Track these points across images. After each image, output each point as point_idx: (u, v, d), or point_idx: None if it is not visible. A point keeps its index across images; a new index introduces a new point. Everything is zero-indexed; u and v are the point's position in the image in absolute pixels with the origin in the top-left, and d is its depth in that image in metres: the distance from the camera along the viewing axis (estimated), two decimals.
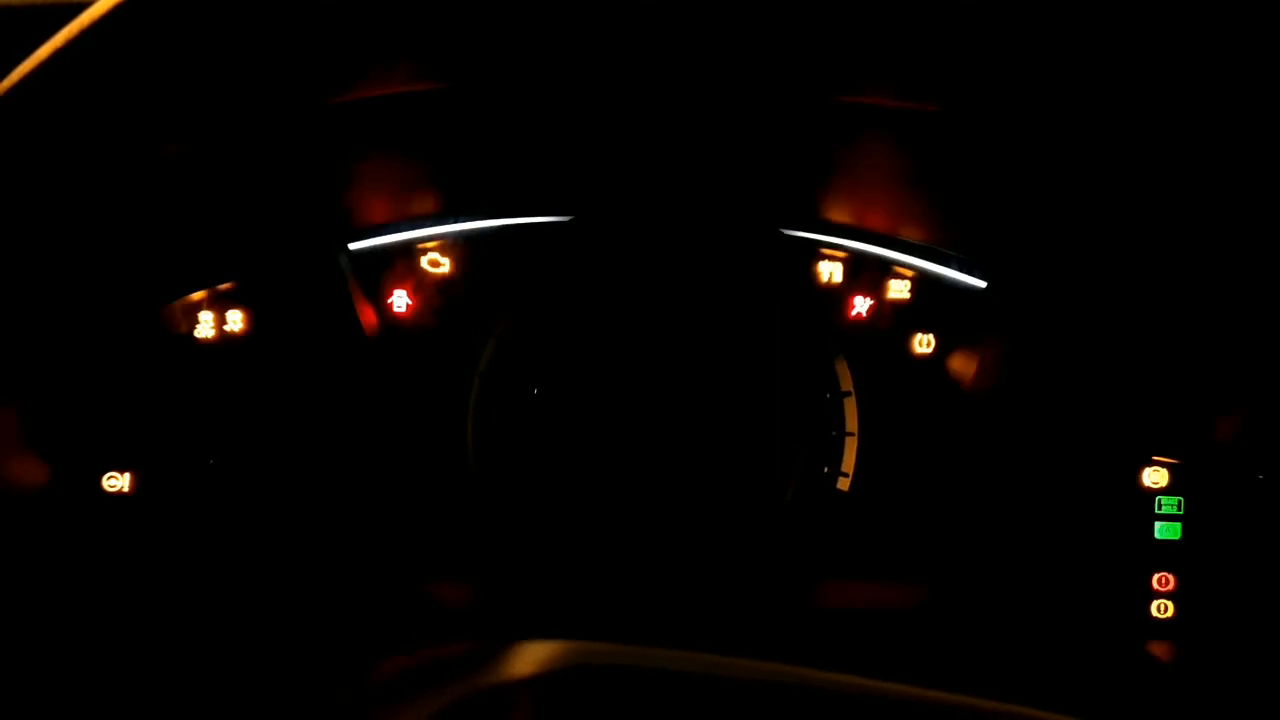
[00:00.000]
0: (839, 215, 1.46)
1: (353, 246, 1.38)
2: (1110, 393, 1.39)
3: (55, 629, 1.13)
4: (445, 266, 1.46)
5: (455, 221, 1.45)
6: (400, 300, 1.44)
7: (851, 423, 1.50)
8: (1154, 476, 1.38)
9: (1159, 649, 1.30)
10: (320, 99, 1.06)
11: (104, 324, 1.25)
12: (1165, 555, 1.37)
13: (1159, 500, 1.39)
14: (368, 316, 1.36)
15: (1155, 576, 1.36)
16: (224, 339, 1.37)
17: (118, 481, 1.32)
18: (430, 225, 1.44)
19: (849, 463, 1.50)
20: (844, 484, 1.51)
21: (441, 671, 0.94)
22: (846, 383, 1.50)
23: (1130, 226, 1.25)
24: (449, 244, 1.46)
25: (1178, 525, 1.37)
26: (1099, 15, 0.83)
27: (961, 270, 1.44)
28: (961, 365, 1.44)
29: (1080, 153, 1.12)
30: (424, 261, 1.45)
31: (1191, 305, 1.30)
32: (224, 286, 1.35)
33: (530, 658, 0.93)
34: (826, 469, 1.51)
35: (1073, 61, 0.93)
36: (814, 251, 1.49)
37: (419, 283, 1.45)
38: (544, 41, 0.98)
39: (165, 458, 1.32)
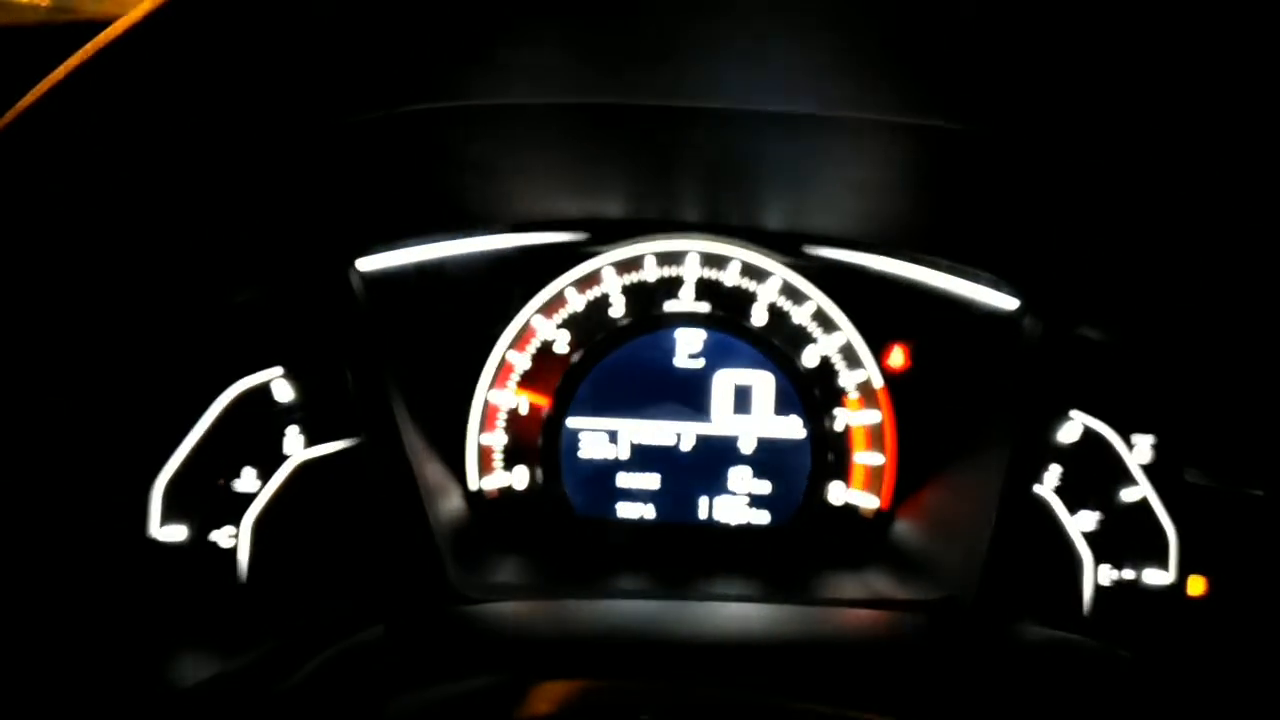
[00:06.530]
0: (864, 233, 1.43)
1: (361, 265, 1.37)
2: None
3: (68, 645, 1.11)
4: (454, 284, 1.45)
5: (468, 239, 1.44)
6: (410, 317, 1.42)
7: (881, 447, 1.48)
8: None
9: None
10: (333, 117, 1.05)
11: (120, 338, 1.24)
12: None
13: None
14: (377, 333, 1.35)
15: None
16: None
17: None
18: (439, 242, 1.43)
19: (877, 488, 1.48)
20: (869, 511, 1.49)
21: (462, 707, 0.92)
22: (876, 405, 1.48)
23: (1162, 240, 1.22)
24: (458, 262, 1.45)
25: None
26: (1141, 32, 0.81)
27: (991, 288, 1.41)
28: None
29: (1116, 168, 1.09)
30: (433, 279, 1.44)
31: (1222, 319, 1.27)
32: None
33: (548, 697, 0.91)
34: (851, 494, 1.49)
35: (1110, 76, 0.91)
36: (840, 270, 1.47)
37: (427, 300, 1.44)
38: (565, 59, 0.98)
39: (182, 478, 1.30)
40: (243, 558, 1.31)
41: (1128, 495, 1.36)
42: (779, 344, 1.47)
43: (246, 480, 1.33)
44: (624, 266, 1.48)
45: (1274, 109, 0.90)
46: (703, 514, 1.48)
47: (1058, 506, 1.35)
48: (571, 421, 1.47)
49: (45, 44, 1.04)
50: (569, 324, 1.48)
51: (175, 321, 1.27)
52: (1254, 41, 0.81)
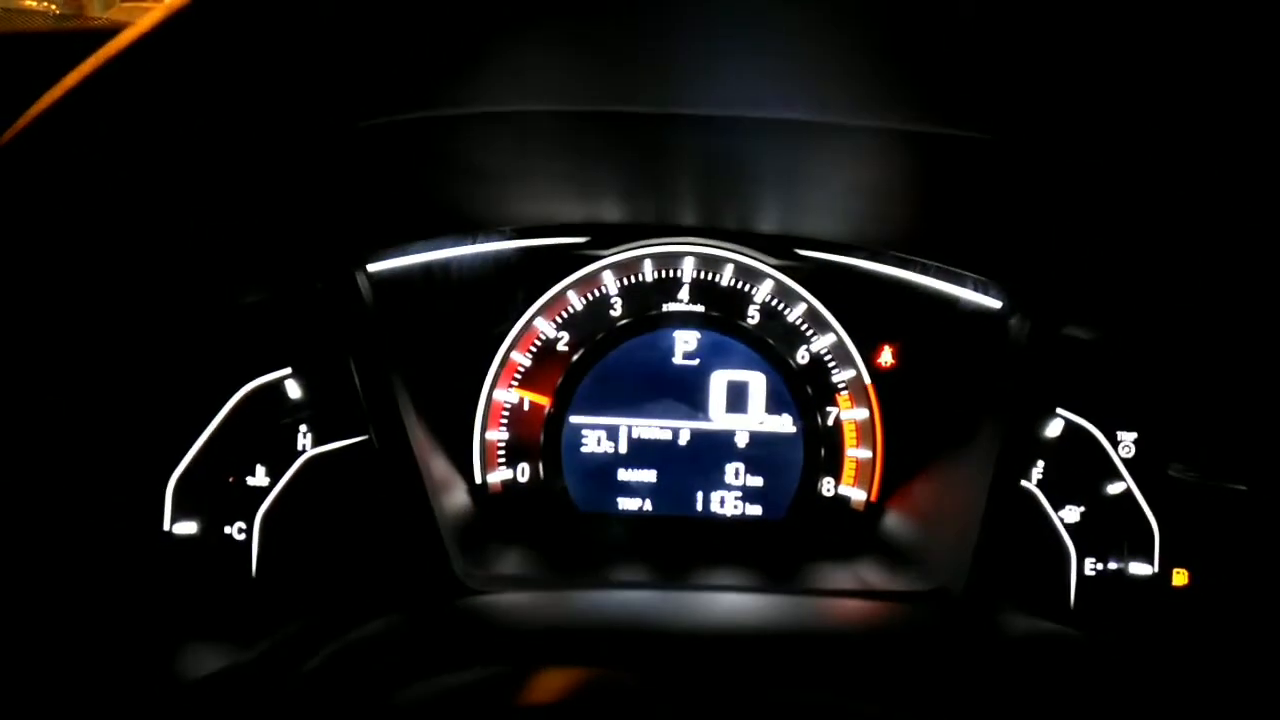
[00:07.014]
0: (853, 236, 1.46)
1: (368, 267, 1.39)
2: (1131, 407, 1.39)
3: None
4: (459, 286, 1.47)
5: (472, 243, 1.47)
6: (417, 318, 1.45)
7: (871, 443, 1.51)
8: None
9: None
10: (340, 124, 1.07)
11: (135, 339, 1.26)
12: None
13: None
14: (385, 333, 1.37)
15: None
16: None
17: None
18: (445, 246, 1.46)
19: (867, 482, 1.52)
20: (859, 504, 1.52)
21: (467, 695, 0.95)
22: (865, 402, 1.51)
23: (1147, 241, 1.25)
24: (463, 264, 1.48)
25: None
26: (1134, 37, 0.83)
27: (977, 290, 1.44)
28: None
29: (1103, 172, 1.11)
30: (438, 281, 1.47)
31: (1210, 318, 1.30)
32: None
33: (549, 685, 0.94)
34: (842, 488, 1.52)
35: (1098, 79, 0.92)
36: (831, 272, 1.50)
37: (433, 302, 1.46)
38: (572, 66, 0.99)
39: (195, 474, 1.33)
40: (254, 551, 1.34)
41: (1112, 490, 1.39)
42: (772, 343, 1.50)
43: (258, 476, 1.35)
44: (623, 268, 1.51)
45: (1264, 114, 0.92)
46: (699, 507, 1.51)
47: (1043, 500, 1.39)
48: (573, 418, 1.50)
49: (54, 51, 1.06)
50: (570, 324, 1.51)
51: (188, 323, 1.30)
52: (1242, 46, 0.82)
